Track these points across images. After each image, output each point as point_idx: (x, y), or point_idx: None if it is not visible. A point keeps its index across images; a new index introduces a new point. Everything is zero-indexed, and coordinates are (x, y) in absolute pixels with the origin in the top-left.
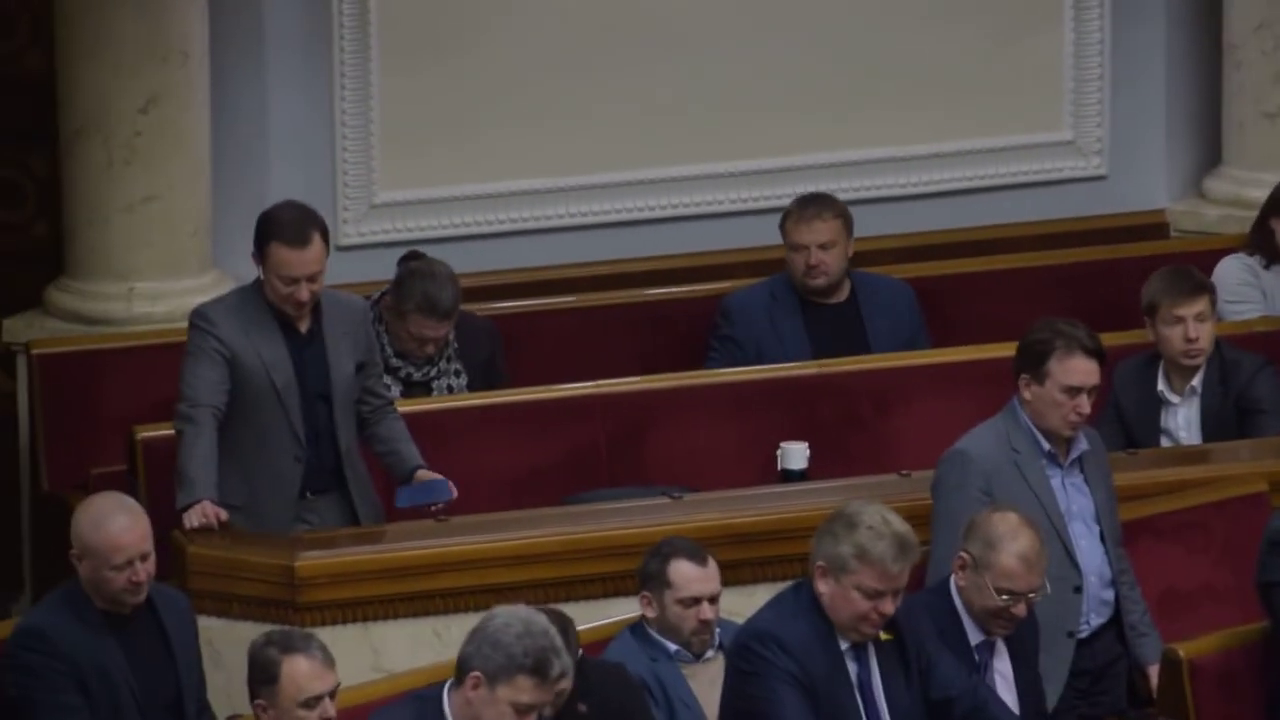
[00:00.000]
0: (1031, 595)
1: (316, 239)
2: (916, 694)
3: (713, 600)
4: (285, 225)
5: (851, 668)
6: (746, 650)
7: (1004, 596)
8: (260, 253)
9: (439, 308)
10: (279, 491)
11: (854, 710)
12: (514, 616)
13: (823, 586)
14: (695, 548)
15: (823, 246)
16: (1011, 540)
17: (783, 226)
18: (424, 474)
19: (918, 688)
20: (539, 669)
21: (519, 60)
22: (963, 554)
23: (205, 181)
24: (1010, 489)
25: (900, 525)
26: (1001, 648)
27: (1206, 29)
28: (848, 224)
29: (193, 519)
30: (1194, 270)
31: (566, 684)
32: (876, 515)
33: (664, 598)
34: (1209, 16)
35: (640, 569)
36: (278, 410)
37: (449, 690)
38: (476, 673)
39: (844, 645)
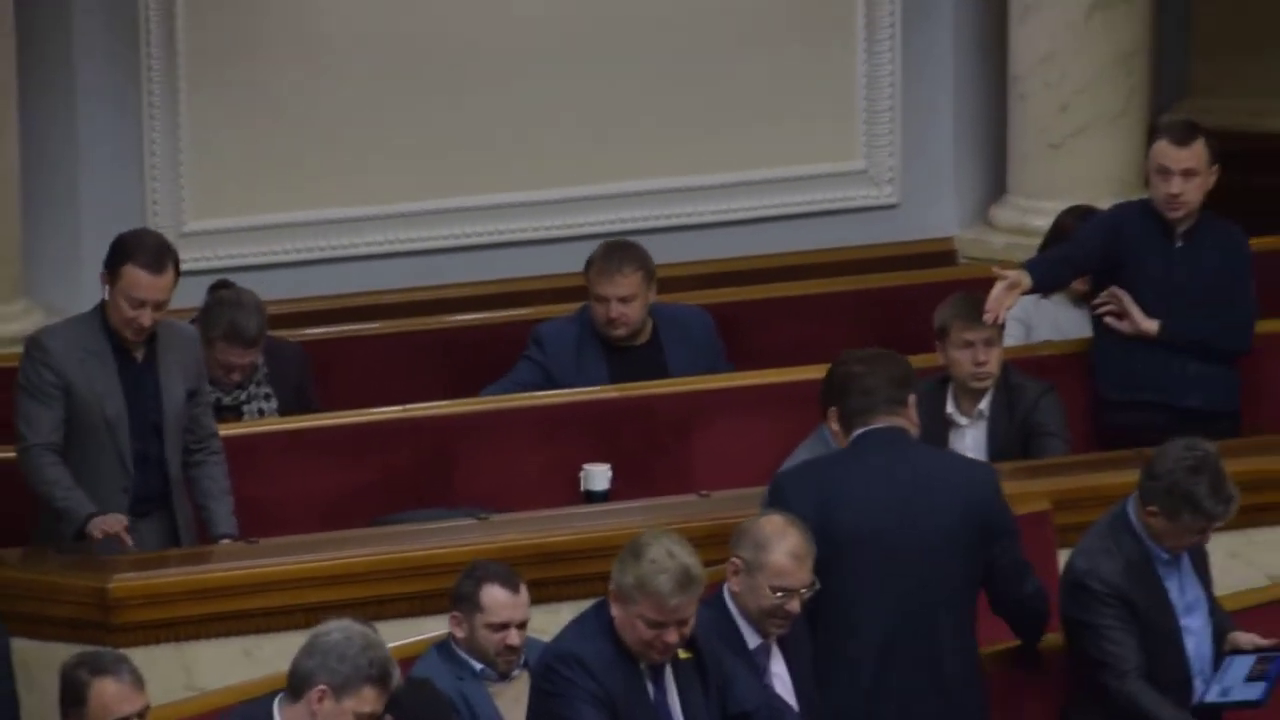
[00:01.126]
0: (804, 591)
1: (170, 269)
2: (715, 710)
3: (521, 626)
4: (144, 249)
5: (650, 687)
6: (549, 671)
7: (779, 594)
8: (112, 272)
9: (244, 336)
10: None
11: None
12: (351, 630)
13: (614, 611)
14: (509, 573)
15: (623, 300)
16: (780, 539)
17: (586, 273)
18: (226, 544)
19: (716, 703)
20: (383, 679)
21: (326, 90)
22: (735, 559)
23: (14, 209)
24: None
25: (686, 558)
26: (777, 651)
27: (993, 61)
28: (649, 275)
29: (99, 532)
30: (985, 297)
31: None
32: (662, 549)
33: (474, 620)
34: (996, 49)
35: (453, 589)
36: (108, 440)
37: (280, 705)
38: (322, 686)
39: (642, 664)
